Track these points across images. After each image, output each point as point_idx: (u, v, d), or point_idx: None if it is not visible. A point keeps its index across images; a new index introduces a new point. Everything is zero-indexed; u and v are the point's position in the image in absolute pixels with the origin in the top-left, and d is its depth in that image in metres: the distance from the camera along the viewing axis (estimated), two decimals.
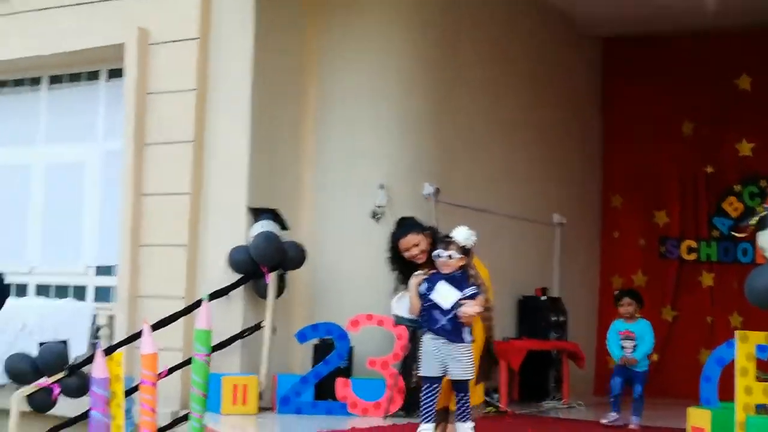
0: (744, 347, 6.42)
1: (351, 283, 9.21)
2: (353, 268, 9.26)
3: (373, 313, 8.58)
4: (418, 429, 6.46)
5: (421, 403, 6.45)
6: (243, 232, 8.75)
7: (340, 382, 8.33)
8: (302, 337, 8.50)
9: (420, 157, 9.77)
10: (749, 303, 6.61)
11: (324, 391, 8.42)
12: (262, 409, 8.22)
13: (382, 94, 9.59)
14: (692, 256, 12.47)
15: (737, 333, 6.50)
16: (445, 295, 6.39)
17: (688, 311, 12.32)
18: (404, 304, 7.01)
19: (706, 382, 7.20)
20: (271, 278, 8.57)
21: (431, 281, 6.49)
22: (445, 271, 6.45)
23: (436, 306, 6.42)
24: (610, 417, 8.25)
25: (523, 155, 11.36)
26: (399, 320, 8.04)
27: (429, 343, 6.43)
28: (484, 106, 10.78)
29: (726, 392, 7.01)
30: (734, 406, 6.43)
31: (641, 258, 12.64)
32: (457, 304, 6.28)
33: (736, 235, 11.17)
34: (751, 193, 12.18)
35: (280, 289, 8.74)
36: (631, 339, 8.21)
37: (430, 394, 6.42)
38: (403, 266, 7.08)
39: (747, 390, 6.39)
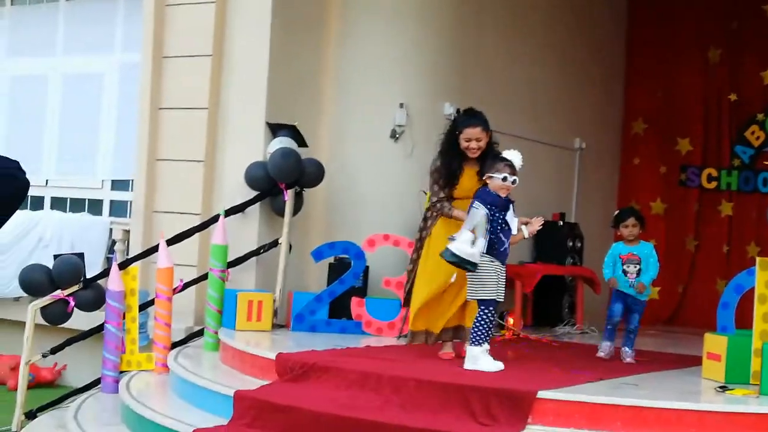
0: (764, 274, 6.35)
1: (369, 202, 9.18)
2: (371, 187, 9.22)
3: (390, 233, 8.55)
4: (481, 350, 6.40)
5: (487, 327, 6.43)
6: (261, 148, 8.67)
7: (354, 301, 8.32)
8: (318, 255, 8.47)
9: (440, 77, 9.67)
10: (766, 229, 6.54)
11: (339, 309, 8.41)
12: (276, 326, 8.22)
13: (405, 12, 9.45)
14: (712, 185, 12.35)
15: (758, 260, 6.43)
16: (512, 218, 6.51)
17: (707, 241, 12.25)
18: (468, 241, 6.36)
19: (723, 309, 7.15)
20: (289, 195, 8.51)
21: (494, 203, 6.42)
22: (504, 194, 6.48)
23: (506, 229, 6.46)
24: (606, 348, 7.43)
25: (544, 78, 11.20)
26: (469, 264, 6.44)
27: (490, 267, 6.43)
28: (506, 29, 10.62)
29: (743, 321, 6.97)
30: (752, 333, 6.39)
31: (661, 185, 12.53)
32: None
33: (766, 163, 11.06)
34: None
35: (297, 206, 8.70)
36: (635, 263, 7.33)
37: (494, 317, 6.51)
38: (453, 153, 7.06)
39: (765, 317, 6.34)
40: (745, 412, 5.59)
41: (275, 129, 8.64)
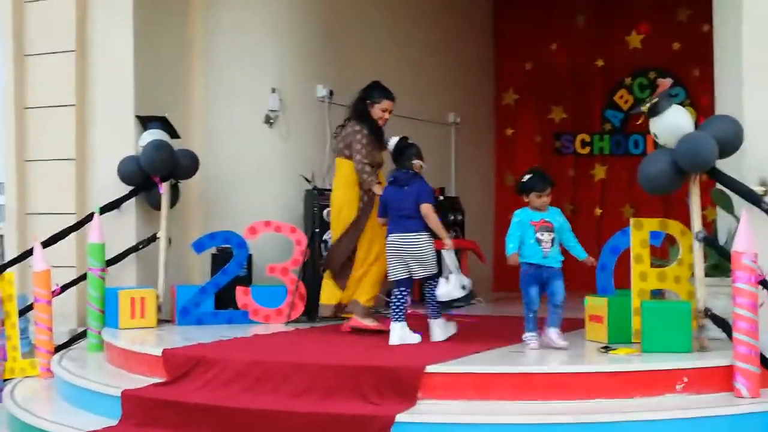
0: (638, 234, 6.51)
1: (247, 189, 9.08)
2: (249, 174, 9.13)
3: (271, 219, 8.49)
4: (403, 325, 6.84)
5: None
6: (132, 142, 8.50)
7: (240, 290, 8.24)
8: (199, 246, 8.37)
9: (312, 60, 9.63)
10: (641, 194, 6.68)
11: (224, 300, 8.33)
12: (161, 322, 8.11)
13: None
14: (586, 150, 12.61)
15: (632, 220, 6.58)
16: None
17: (582, 205, 12.49)
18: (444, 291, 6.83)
19: (601, 271, 7.30)
20: (164, 188, 8.37)
21: None
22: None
23: None
24: (533, 340, 6.50)
25: (415, 56, 11.22)
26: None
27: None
28: (377, 8, 10.63)
29: (622, 280, 7.12)
30: (630, 292, 6.54)
31: (537, 154, 12.71)
32: None
33: (637, 123, 11.25)
34: (641, 85, 12.33)
35: (174, 199, 8.56)
36: (549, 230, 6.53)
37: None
38: (372, 121, 7.58)
39: (642, 276, 6.50)
40: (629, 370, 5.74)
41: (145, 121, 8.47)
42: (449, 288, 6.76)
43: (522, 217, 6.58)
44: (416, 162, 7.00)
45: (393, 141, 7.15)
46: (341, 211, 7.60)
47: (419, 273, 6.92)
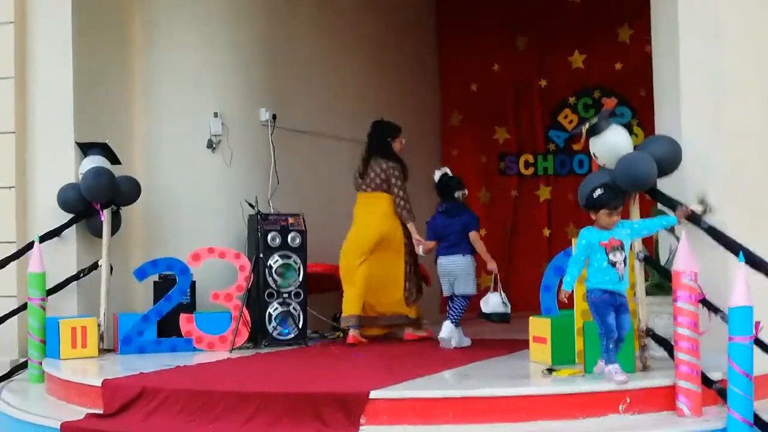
0: None
1: (190, 215, 8.99)
2: (191, 199, 9.04)
3: (214, 245, 8.42)
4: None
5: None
6: (72, 169, 8.40)
7: (183, 317, 8.16)
8: (141, 274, 8.27)
9: (254, 84, 9.58)
10: (585, 213, 6.68)
11: (168, 328, 8.24)
12: (103, 351, 8.00)
13: (211, 20, 9.31)
14: (530, 171, 12.64)
15: (574, 241, 6.58)
16: None
17: (529, 226, 12.48)
18: (492, 303, 7.90)
19: (545, 292, 7.32)
20: (105, 215, 8.26)
21: None
22: None
23: None
24: (617, 371, 5.78)
25: (358, 78, 11.20)
26: (489, 317, 8.03)
27: None
28: (319, 31, 10.59)
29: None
30: (573, 313, 6.54)
31: (483, 175, 12.70)
32: None
33: (574, 147, 11.38)
34: (585, 104, 12.38)
35: (116, 225, 8.44)
36: (621, 249, 5.87)
37: None
38: (398, 158, 8.57)
39: (585, 296, 6.49)
40: (572, 392, 5.73)
41: (85, 148, 8.37)
42: (496, 300, 7.87)
43: (589, 239, 5.89)
44: (458, 194, 8.16)
45: (437, 175, 8.24)
46: (381, 239, 8.50)
47: (460, 290, 8.02)
